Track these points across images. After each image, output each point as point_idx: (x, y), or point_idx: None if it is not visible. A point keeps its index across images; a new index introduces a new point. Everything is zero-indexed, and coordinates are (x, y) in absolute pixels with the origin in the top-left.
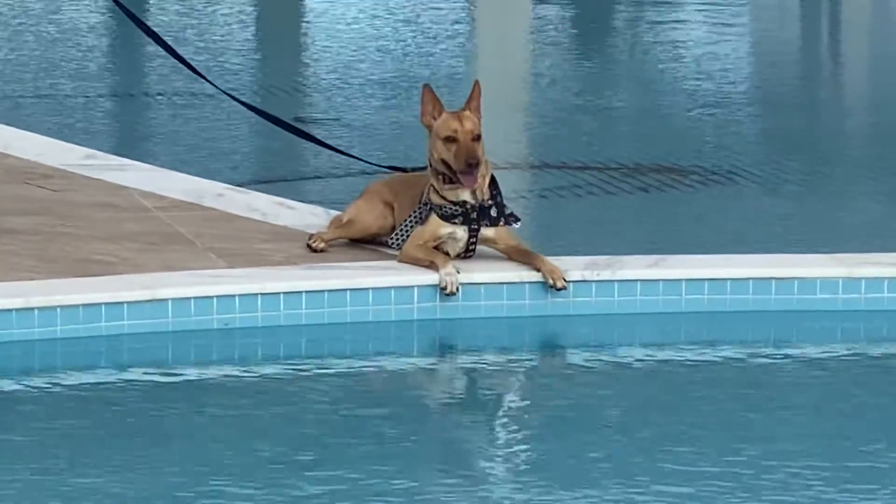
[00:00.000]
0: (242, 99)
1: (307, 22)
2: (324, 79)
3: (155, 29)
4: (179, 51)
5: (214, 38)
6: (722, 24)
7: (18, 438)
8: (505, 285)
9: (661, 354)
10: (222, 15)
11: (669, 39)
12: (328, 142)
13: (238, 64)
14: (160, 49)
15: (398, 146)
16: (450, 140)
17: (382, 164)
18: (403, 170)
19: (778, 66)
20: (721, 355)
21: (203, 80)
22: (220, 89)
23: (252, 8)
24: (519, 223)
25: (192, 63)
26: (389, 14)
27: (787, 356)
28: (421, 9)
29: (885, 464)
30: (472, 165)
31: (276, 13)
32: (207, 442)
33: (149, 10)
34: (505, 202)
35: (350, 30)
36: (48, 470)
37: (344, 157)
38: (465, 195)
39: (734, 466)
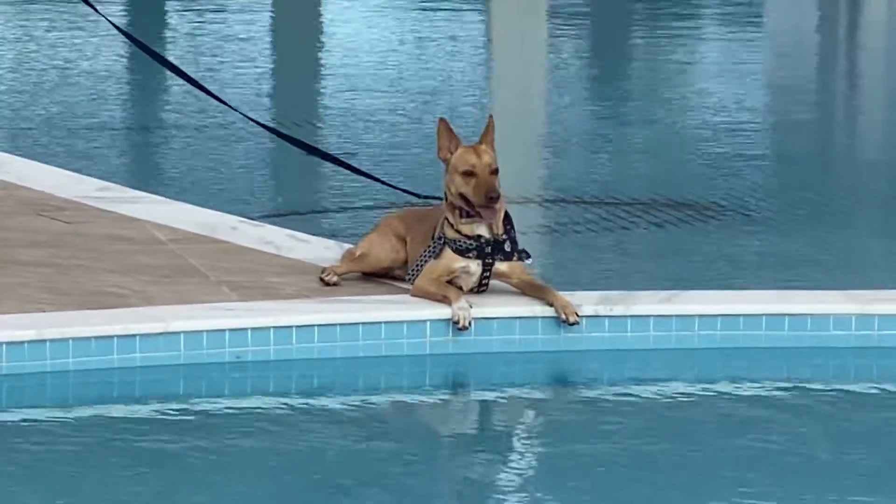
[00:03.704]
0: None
1: (322, 55)
2: (338, 112)
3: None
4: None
5: (229, 71)
6: (737, 59)
7: (29, 471)
8: (518, 320)
9: (674, 390)
10: (235, 49)
11: (684, 74)
12: (341, 172)
13: (252, 97)
14: (175, 82)
15: (414, 180)
16: (468, 174)
17: (398, 186)
18: (416, 195)
19: (792, 101)
20: (734, 392)
21: (220, 110)
22: (250, 118)
23: (267, 42)
24: (531, 260)
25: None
26: (406, 48)
27: (799, 393)
28: (438, 43)
29: None
30: (491, 199)
31: (291, 48)
32: (219, 476)
33: (162, 46)
34: (516, 237)
35: (366, 64)
36: (58, 502)
37: (359, 187)
38: (481, 229)
39: (746, 498)
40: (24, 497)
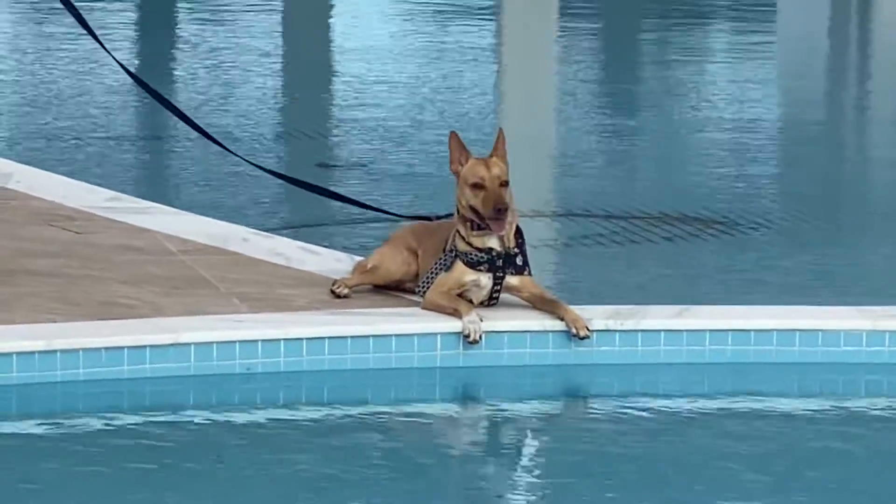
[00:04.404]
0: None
1: (333, 66)
2: (348, 123)
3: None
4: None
5: (239, 79)
6: (747, 75)
7: (37, 482)
8: (528, 334)
9: (685, 405)
10: (246, 57)
11: (695, 89)
12: (353, 185)
13: (262, 107)
14: (185, 95)
15: (423, 192)
16: (477, 186)
17: (408, 215)
18: (428, 219)
19: (802, 116)
20: (744, 407)
21: (232, 123)
22: (256, 165)
23: (277, 53)
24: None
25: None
26: (416, 61)
27: (810, 408)
28: (448, 58)
29: None
30: (500, 211)
31: (300, 59)
32: (228, 486)
33: (174, 57)
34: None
35: (376, 76)
36: None
37: (370, 200)
38: (493, 242)
39: None
40: None
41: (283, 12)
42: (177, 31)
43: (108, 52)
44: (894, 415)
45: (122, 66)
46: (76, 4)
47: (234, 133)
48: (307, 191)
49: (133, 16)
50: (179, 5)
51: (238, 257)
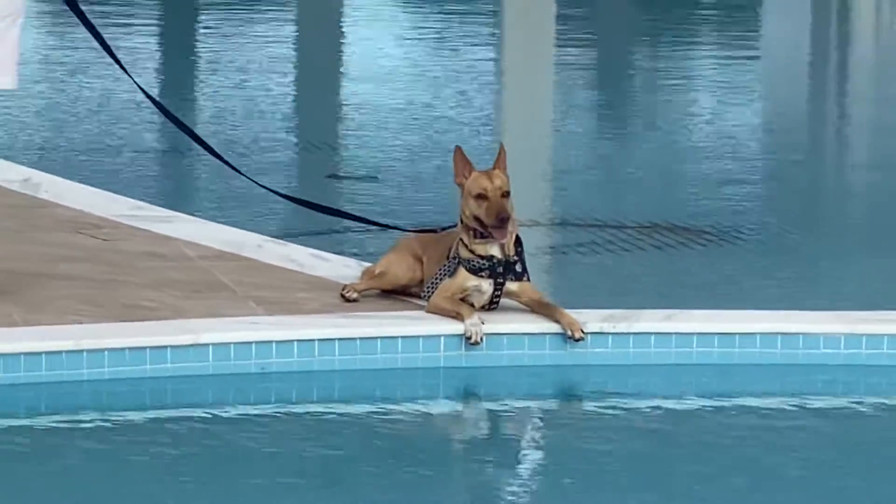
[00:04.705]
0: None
1: (345, 81)
2: (359, 136)
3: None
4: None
5: (254, 92)
6: (733, 88)
7: (67, 472)
8: (526, 336)
9: (673, 404)
10: (262, 74)
11: (686, 104)
12: (362, 195)
13: (277, 119)
14: (204, 110)
15: (430, 202)
16: (481, 197)
17: (414, 229)
18: (434, 231)
19: (785, 133)
20: (729, 405)
21: (248, 139)
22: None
23: (291, 67)
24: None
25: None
26: (424, 79)
27: (791, 406)
28: (453, 75)
29: None
30: (502, 220)
31: (313, 77)
32: (243, 478)
33: (195, 75)
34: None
35: (386, 92)
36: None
37: (378, 210)
38: (494, 250)
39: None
40: (62, 499)
41: (297, 34)
42: (196, 48)
43: (130, 76)
44: (870, 412)
45: (141, 87)
46: (92, 20)
47: (251, 145)
48: (313, 210)
49: (151, 36)
50: (198, 23)
51: (254, 263)
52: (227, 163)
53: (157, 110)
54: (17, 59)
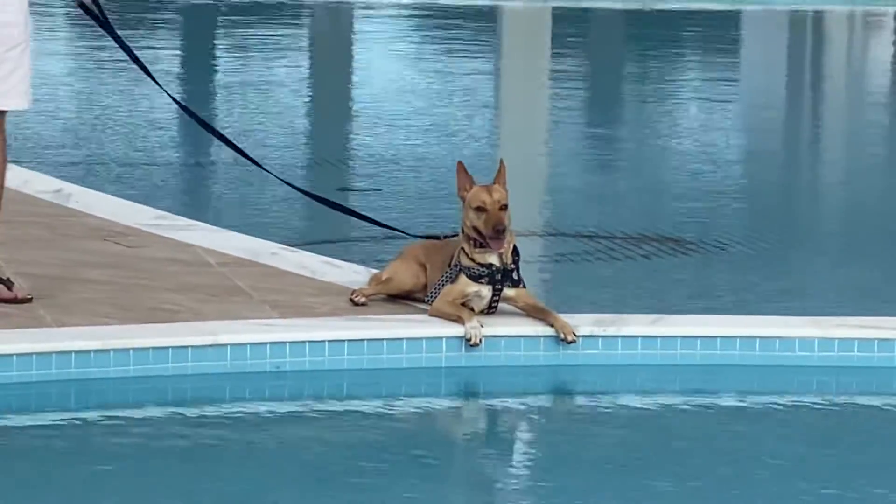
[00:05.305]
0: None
1: (353, 103)
2: (368, 153)
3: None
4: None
5: (273, 113)
6: (717, 111)
7: (97, 467)
8: (522, 338)
9: (659, 402)
10: (278, 94)
11: (671, 124)
12: (370, 207)
13: (289, 136)
14: (223, 124)
15: (432, 214)
16: (480, 209)
17: (419, 235)
18: (437, 237)
19: (762, 153)
20: (710, 403)
21: (263, 150)
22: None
23: (303, 87)
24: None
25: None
26: (428, 98)
27: (768, 405)
28: (455, 94)
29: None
30: (499, 231)
31: (325, 97)
32: (257, 471)
33: (214, 92)
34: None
35: (393, 111)
36: (128, 495)
37: (385, 219)
38: (492, 258)
39: (722, 498)
40: (91, 492)
41: (310, 58)
42: (214, 69)
43: (160, 86)
44: (842, 410)
45: (172, 97)
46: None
47: (266, 161)
48: (333, 209)
49: (175, 55)
50: (217, 45)
51: (269, 269)
52: (259, 164)
53: (183, 124)
54: (29, 82)
